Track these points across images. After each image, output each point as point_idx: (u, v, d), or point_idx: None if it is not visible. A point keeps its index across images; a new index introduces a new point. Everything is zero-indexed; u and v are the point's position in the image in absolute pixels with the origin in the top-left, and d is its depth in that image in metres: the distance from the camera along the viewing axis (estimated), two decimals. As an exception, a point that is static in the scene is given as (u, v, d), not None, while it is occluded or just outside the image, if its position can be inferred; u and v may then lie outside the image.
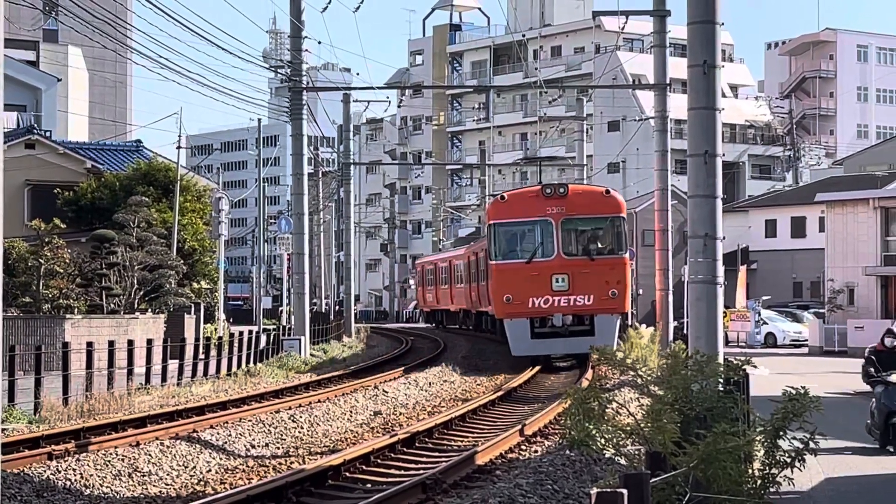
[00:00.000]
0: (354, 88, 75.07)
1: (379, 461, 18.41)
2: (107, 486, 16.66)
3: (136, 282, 44.95)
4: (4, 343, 30.81)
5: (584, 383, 26.79)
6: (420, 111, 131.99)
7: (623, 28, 43.22)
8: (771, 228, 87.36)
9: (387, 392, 29.43)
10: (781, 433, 11.81)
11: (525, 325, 37.28)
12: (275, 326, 58.44)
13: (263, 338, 45.76)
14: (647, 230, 66.69)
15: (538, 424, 21.77)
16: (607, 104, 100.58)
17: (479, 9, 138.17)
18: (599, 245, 38.41)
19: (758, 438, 11.85)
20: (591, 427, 11.84)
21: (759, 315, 67.77)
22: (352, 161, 73.05)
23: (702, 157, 17.66)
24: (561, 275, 37.02)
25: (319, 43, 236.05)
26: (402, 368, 37.11)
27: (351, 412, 25.65)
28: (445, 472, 16.05)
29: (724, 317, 44.01)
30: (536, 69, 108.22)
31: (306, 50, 44.85)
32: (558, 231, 37.35)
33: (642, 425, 11.97)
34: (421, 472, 16.91)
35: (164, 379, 32.78)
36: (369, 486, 16.51)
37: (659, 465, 10.70)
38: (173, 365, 34.59)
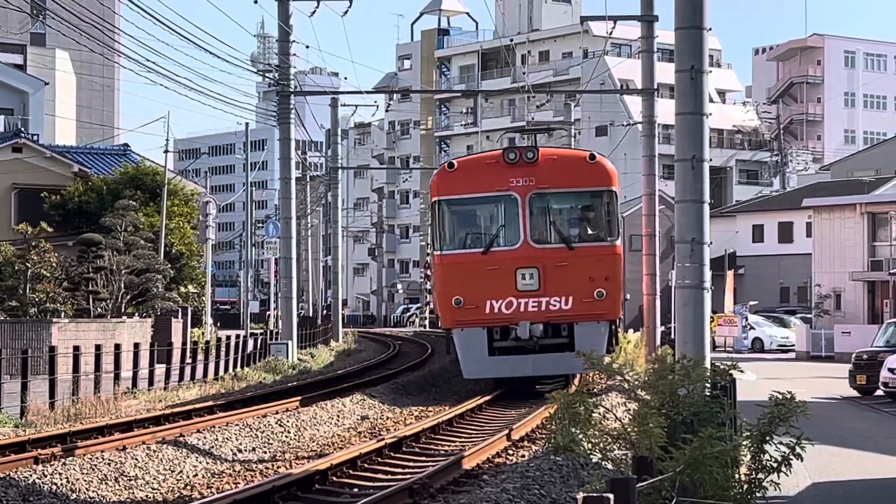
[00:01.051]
0: (342, 93, 75.10)
1: (366, 465, 18.39)
2: (93, 491, 16.63)
3: (123, 286, 44.87)
4: (-9, 347, 30.72)
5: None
6: (408, 115, 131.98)
7: (611, 33, 43.23)
8: (758, 233, 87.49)
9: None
10: (768, 438, 11.82)
11: (480, 338, 28.56)
12: (262, 331, 58.42)
13: (251, 342, 45.71)
14: (635, 235, 66.73)
15: (524, 430, 21.77)
16: (595, 109, 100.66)
17: (468, 13, 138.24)
18: (582, 229, 29.95)
19: (744, 443, 11.86)
20: (578, 432, 11.84)
21: (747, 320, 67.86)
22: (339, 165, 73.03)
23: (689, 161, 17.68)
24: (529, 269, 28.46)
25: (307, 47, 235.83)
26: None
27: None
28: (432, 477, 16.04)
29: (712, 322, 44.08)
30: (524, 74, 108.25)
31: (294, 54, 44.84)
32: (526, 210, 28.65)
33: (629, 430, 11.97)
34: (408, 476, 16.90)
35: (150, 383, 32.73)
36: (356, 490, 16.49)
37: (646, 469, 10.70)
38: (160, 369, 34.55)
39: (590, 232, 29.82)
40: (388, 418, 26.34)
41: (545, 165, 29.06)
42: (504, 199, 28.88)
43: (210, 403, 27.35)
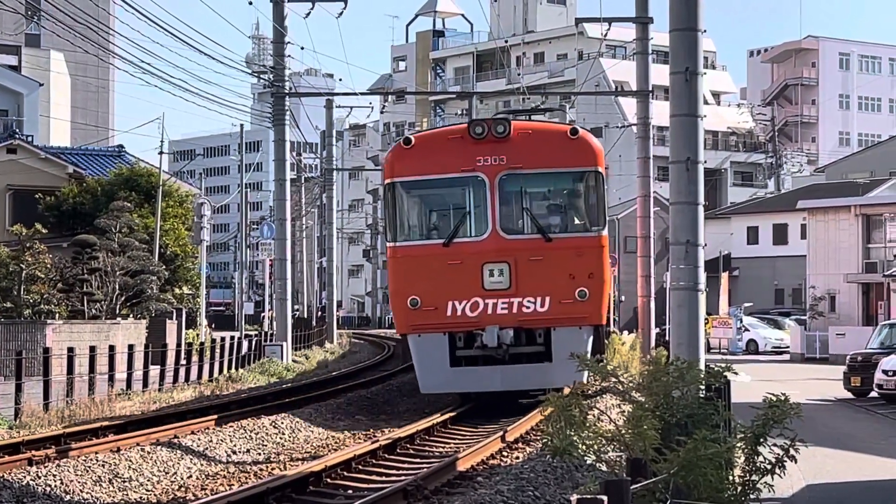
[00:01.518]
0: (337, 94, 75.07)
1: (360, 467, 18.38)
2: (87, 492, 16.62)
3: (117, 287, 44.85)
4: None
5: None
6: (403, 117, 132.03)
7: (606, 35, 43.25)
8: (753, 235, 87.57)
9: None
10: (762, 440, 11.83)
11: (440, 346, 24.72)
12: (257, 332, 58.42)
13: (245, 343, 45.70)
14: (630, 237, 66.77)
15: (518, 432, 21.78)
16: (590, 111, 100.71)
17: (463, 15, 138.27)
18: (561, 216, 26.15)
19: (738, 445, 11.86)
20: (573, 434, 11.83)
21: (741, 322, 67.90)
22: (334, 167, 73.05)
23: (684, 163, 17.68)
24: (498, 264, 24.64)
25: (302, 48, 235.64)
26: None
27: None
28: (427, 479, 16.04)
29: (706, 323, 44.10)
30: (519, 76, 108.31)
31: (289, 55, 44.83)
32: (495, 194, 24.76)
33: (623, 432, 11.97)
34: (402, 478, 16.90)
35: (145, 384, 32.71)
36: (350, 492, 16.49)
37: (640, 471, 10.70)
38: (155, 370, 34.53)
39: (571, 220, 25.80)
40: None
41: (518, 141, 24.94)
42: (469, 182, 24.95)
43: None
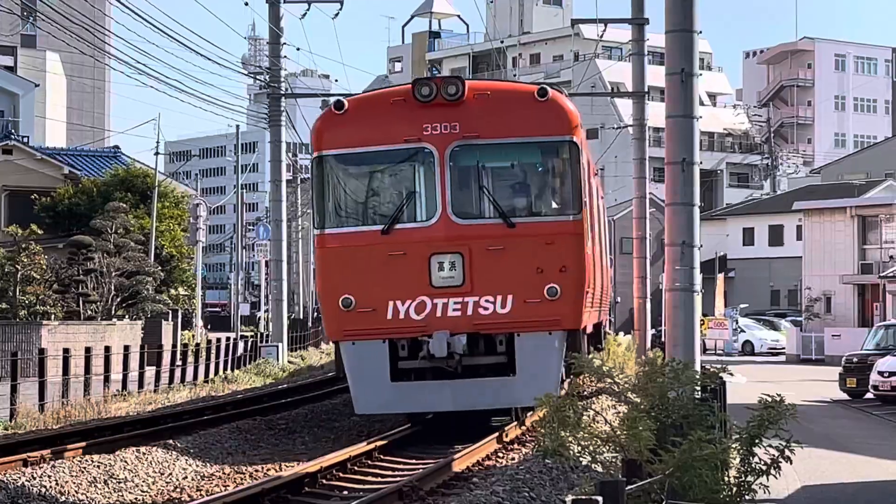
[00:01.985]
0: (333, 95, 75.00)
1: (356, 468, 18.37)
2: (82, 493, 16.61)
3: (113, 288, 44.84)
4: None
5: None
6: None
7: (601, 36, 43.28)
8: (749, 236, 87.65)
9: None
10: (757, 441, 11.84)
11: (378, 355, 20.44)
12: (252, 333, 58.44)
13: (241, 344, 45.70)
14: (626, 238, 66.84)
15: (514, 433, 21.77)
16: (586, 112, 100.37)
17: (459, 16, 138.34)
18: (528, 197, 21.56)
19: (733, 446, 11.87)
20: (567, 435, 11.83)
21: (737, 323, 67.96)
22: (330, 168, 72.88)
23: (679, 165, 17.69)
24: (449, 255, 20.39)
25: (298, 49, 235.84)
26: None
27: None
28: (422, 480, 16.03)
29: (702, 325, 44.19)
30: (515, 76, 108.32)
31: (285, 56, 44.81)
32: (445, 169, 20.51)
33: (618, 433, 11.98)
34: (398, 479, 16.89)
35: (140, 385, 32.68)
36: (346, 492, 16.48)
37: (635, 472, 10.71)
38: (150, 371, 34.50)
39: (540, 202, 21.41)
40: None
41: (475, 105, 20.66)
42: (414, 154, 20.72)
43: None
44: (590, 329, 25.02)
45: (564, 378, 21.84)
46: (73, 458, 18.50)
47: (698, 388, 13.52)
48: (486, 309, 20.30)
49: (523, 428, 21.61)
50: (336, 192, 21.28)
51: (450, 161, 20.44)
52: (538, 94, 20.73)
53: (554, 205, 21.16)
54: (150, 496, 16.96)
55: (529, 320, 20.23)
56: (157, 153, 57.37)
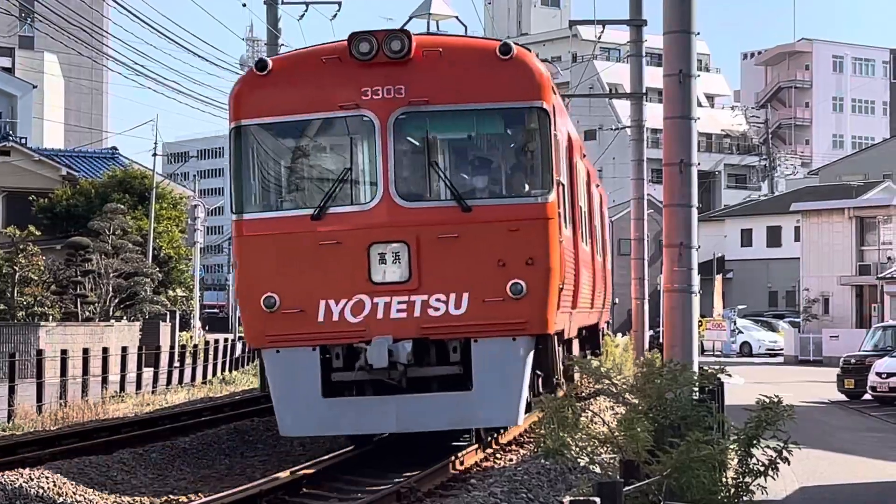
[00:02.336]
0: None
1: (354, 469, 18.35)
2: (80, 495, 16.60)
3: (111, 289, 44.84)
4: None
5: None
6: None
7: (599, 37, 43.22)
8: (746, 238, 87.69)
9: None
10: (755, 442, 11.84)
11: (308, 366, 17.26)
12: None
13: (239, 346, 45.68)
14: (624, 239, 66.88)
15: (511, 434, 21.77)
16: (584, 113, 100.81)
17: (457, 17, 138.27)
18: (487, 175, 18.14)
19: (731, 447, 11.88)
20: (566, 436, 11.84)
21: (735, 324, 67.99)
22: (328, 169, 72.81)
23: (677, 166, 17.67)
24: (393, 245, 17.17)
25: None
26: None
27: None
28: (420, 481, 16.03)
29: (700, 326, 44.19)
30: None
31: (283, 58, 44.73)
32: (388, 141, 17.17)
33: (616, 434, 11.98)
34: (396, 480, 16.88)
35: (138, 387, 32.70)
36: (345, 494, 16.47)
37: (633, 473, 10.71)
38: (148, 373, 34.51)
39: (502, 181, 17.93)
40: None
41: (424, 65, 17.17)
42: (351, 124, 17.37)
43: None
44: (570, 333, 21.49)
45: (538, 391, 18.36)
46: (72, 459, 18.50)
47: (696, 389, 13.53)
48: (436, 310, 16.94)
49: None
50: (257, 169, 17.86)
51: (394, 131, 17.00)
52: (500, 51, 17.10)
53: (519, 184, 17.67)
54: (149, 498, 16.96)
55: (489, 323, 16.86)
56: (154, 154, 57.34)
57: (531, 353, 17.17)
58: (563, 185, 18.20)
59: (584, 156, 25.42)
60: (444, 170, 17.53)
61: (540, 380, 18.75)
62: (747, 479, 11.90)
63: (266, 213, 17.62)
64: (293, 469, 17.20)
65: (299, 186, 18.25)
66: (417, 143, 17.56)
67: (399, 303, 17.01)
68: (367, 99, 17.12)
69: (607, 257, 31.87)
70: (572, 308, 20.32)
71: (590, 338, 28.16)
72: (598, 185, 30.39)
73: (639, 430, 11.55)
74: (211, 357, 40.24)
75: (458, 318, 16.94)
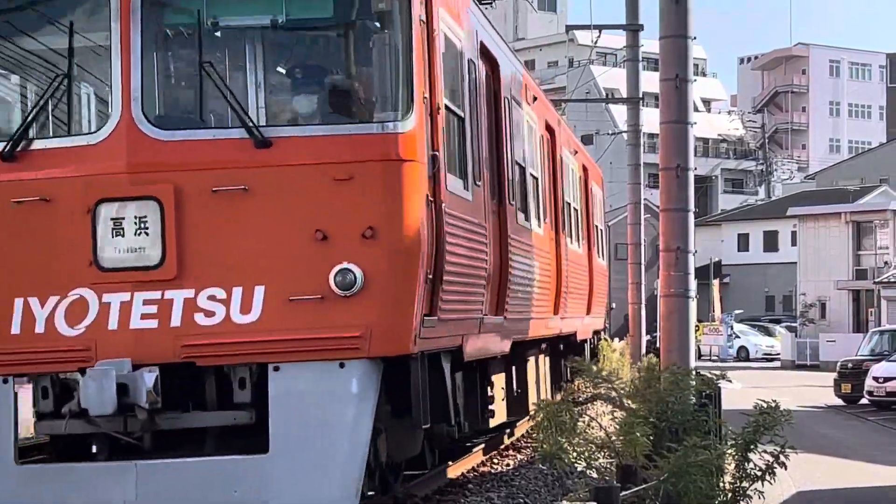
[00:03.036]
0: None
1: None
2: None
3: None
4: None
5: None
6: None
7: (596, 42, 43.26)
8: (743, 242, 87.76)
9: None
10: (752, 447, 11.84)
11: None
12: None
13: None
14: (620, 244, 66.92)
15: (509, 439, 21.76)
16: (581, 118, 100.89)
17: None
18: (299, 89, 10.94)
19: (729, 452, 11.87)
20: (563, 440, 11.83)
21: (732, 329, 68.03)
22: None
23: (674, 170, 17.66)
24: (135, 204, 10.26)
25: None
26: None
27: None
28: (417, 486, 16.01)
29: (697, 330, 44.20)
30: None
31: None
32: (129, 31, 10.17)
33: (613, 438, 11.97)
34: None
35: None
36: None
37: (630, 478, 10.71)
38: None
39: (323, 98, 10.90)
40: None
41: None
42: (69, 4, 10.84)
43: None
44: (499, 350, 15.05)
45: (405, 453, 12.53)
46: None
47: (694, 392, 13.53)
48: (209, 315, 10.40)
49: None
50: None
51: (142, 13, 10.35)
52: None
53: (354, 103, 10.86)
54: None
55: (298, 338, 10.27)
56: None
57: (374, 390, 10.45)
58: (444, 111, 11.53)
59: (577, 152, 24.03)
60: (227, 78, 10.73)
61: (404, 434, 11.89)
62: (744, 484, 11.89)
63: None
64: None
65: None
66: (181, 34, 10.87)
67: (145, 302, 10.35)
68: None
69: (602, 248, 28.34)
70: (522, 307, 15.74)
71: (571, 346, 23.25)
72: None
73: (638, 434, 11.53)
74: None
75: (245, 330, 10.36)
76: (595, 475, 12.48)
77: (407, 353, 10.67)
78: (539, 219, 17.59)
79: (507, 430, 19.10)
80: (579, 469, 13.84)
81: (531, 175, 17.09)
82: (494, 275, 13.91)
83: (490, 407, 15.03)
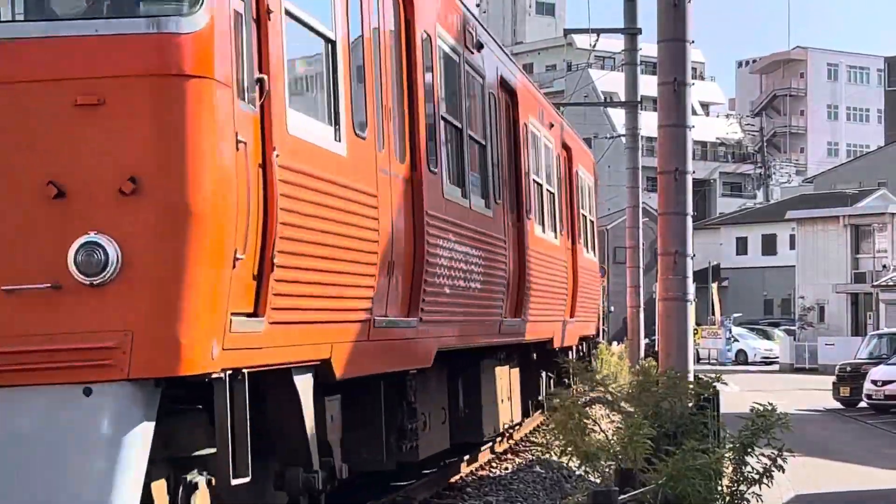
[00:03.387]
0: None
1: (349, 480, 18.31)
2: None
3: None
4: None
5: None
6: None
7: (594, 46, 43.31)
8: (742, 246, 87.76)
9: None
10: (750, 450, 11.84)
11: None
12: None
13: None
14: (619, 247, 66.94)
15: (507, 443, 21.76)
16: (579, 121, 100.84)
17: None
18: None
19: (727, 455, 11.87)
20: (576, 437, 11.84)
21: (730, 332, 68.05)
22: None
23: (672, 174, 17.69)
24: None
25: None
26: None
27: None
28: (416, 490, 16.02)
29: (695, 334, 44.20)
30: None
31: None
32: None
33: (612, 441, 11.98)
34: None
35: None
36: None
37: (628, 481, 10.71)
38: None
39: None
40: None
41: None
42: None
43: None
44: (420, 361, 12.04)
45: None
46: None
47: (692, 396, 13.53)
48: None
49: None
50: None
51: None
52: None
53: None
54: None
55: (16, 350, 6.79)
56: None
57: (142, 430, 6.89)
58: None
59: (553, 125, 22.09)
60: None
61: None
62: (742, 488, 11.89)
63: None
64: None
65: None
66: None
67: None
68: None
69: (581, 251, 24.88)
70: (434, 312, 11.87)
71: (557, 350, 20.94)
72: (594, 179, 27.14)
73: (637, 438, 11.53)
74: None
75: None
76: (593, 478, 12.50)
77: (204, 372, 7.04)
78: (488, 199, 14.42)
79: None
80: (578, 472, 13.85)
81: (470, 137, 13.80)
82: (397, 261, 10.49)
83: (414, 434, 11.94)
